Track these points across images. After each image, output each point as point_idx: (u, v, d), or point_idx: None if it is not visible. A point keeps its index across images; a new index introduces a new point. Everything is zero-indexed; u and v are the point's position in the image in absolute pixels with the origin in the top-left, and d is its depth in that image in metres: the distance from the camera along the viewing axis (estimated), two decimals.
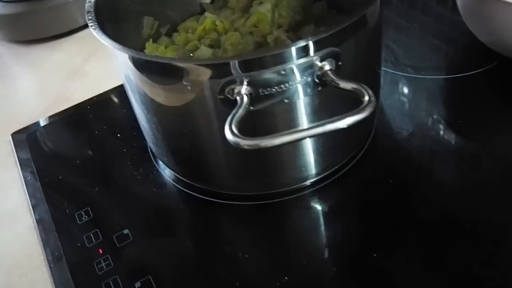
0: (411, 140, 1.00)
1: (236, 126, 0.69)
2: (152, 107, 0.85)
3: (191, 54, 1.04)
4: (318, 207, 0.89)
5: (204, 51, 1.01)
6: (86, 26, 1.29)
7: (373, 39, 0.86)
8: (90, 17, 0.85)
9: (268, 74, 0.73)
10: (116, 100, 1.22)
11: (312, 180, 0.94)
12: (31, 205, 1.02)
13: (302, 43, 0.71)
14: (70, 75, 1.35)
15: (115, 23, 0.96)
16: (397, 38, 1.14)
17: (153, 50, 1.02)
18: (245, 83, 0.73)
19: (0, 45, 1.56)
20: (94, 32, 0.81)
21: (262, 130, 0.76)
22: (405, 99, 1.08)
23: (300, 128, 0.69)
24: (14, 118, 1.26)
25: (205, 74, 0.74)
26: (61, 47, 1.49)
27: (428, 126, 1.02)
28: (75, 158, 1.10)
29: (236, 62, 0.71)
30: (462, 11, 1.11)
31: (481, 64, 1.14)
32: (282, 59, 0.72)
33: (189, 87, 0.76)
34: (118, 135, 1.13)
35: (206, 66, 0.74)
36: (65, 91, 1.32)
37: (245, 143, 0.67)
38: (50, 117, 1.23)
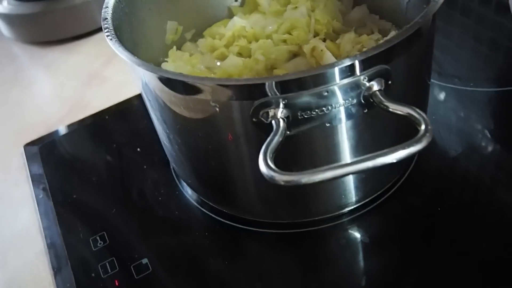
0: (460, 161, 0.91)
1: (271, 158, 0.61)
2: (175, 127, 0.78)
3: (218, 63, 0.96)
4: (358, 237, 0.84)
5: (233, 61, 0.92)
6: None
7: (425, 53, 0.77)
8: (106, 25, 0.76)
9: (309, 96, 0.65)
10: (136, 109, 1.12)
11: (352, 207, 0.85)
12: (43, 227, 0.94)
13: (348, 62, 0.62)
14: (88, 80, 1.26)
15: (135, 29, 0.88)
16: (442, 45, 1.05)
17: (177, 59, 0.94)
18: (281, 105, 0.65)
19: (15, 46, 1.48)
20: (110, 43, 0.72)
21: (299, 157, 0.71)
22: (452, 114, 0.98)
23: (346, 162, 0.60)
24: (27, 127, 1.19)
25: (236, 95, 0.66)
26: (80, 49, 1.41)
27: (479, 146, 0.92)
28: (91, 175, 1.02)
29: (273, 82, 0.63)
30: None
31: None
32: (325, 79, 0.64)
33: (217, 109, 0.68)
34: (138, 149, 1.05)
35: (238, 87, 0.65)
36: (82, 98, 1.24)
37: (283, 178, 0.59)
38: (65, 127, 1.16)
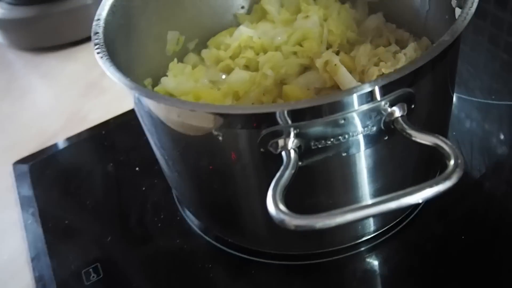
0: (485, 182, 0.83)
1: (281, 197, 0.54)
2: (174, 154, 0.72)
3: (223, 77, 0.90)
4: (375, 268, 0.77)
5: (239, 75, 0.86)
6: None
7: (450, 70, 0.71)
8: (97, 40, 0.69)
9: (323, 125, 0.58)
10: (136, 123, 1.03)
11: (369, 236, 0.78)
12: (30, 257, 0.87)
13: (368, 88, 0.56)
14: (86, 91, 1.19)
15: (132, 40, 0.82)
16: (461, 57, 0.95)
17: (178, 73, 0.87)
18: (292, 135, 0.58)
19: (8, 52, 1.41)
20: (100, 62, 0.65)
21: (312, 188, 0.65)
22: (474, 130, 0.92)
23: (366, 203, 0.53)
24: (17, 143, 1.11)
25: (241, 124, 0.59)
26: (77, 56, 1.33)
27: (505, 165, 0.86)
28: (86, 197, 0.95)
29: (284, 111, 0.56)
30: None
31: None
32: (342, 107, 0.57)
33: (220, 138, 0.61)
34: (137, 168, 0.97)
35: (243, 116, 0.57)
36: (79, 110, 1.16)
37: (294, 223, 0.52)
38: (59, 143, 1.08)
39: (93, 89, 1.22)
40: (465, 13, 0.62)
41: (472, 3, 0.63)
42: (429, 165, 0.75)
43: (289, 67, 0.84)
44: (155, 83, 0.86)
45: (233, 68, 0.89)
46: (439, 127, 0.74)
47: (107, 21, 0.74)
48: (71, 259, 0.85)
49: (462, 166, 0.53)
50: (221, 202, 0.75)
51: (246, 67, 0.89)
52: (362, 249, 0.79)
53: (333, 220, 0.52)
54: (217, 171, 0.68)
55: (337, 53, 0.85)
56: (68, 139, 1.08)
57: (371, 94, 0.57)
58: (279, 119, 0.57)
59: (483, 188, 0.83)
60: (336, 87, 0.79)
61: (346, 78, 0.77)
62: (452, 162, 0.53)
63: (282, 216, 0.52)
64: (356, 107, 0.58)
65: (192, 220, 0.86)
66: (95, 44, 0.69)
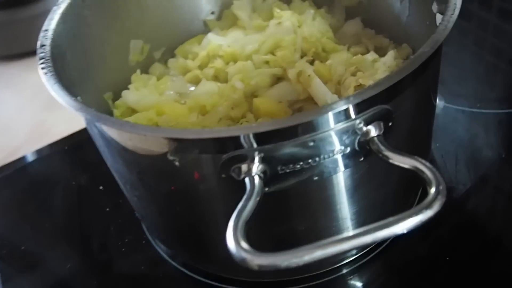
0: (470, 198, 0.78)
1: (243, 233, 0.48)
2: (129, 178, 0.66)
3: (191, 89, 0.84)
4: None
5: (207, 87, 0.81)
6: None
7: (431, 83, 0.65)
8: (42, 54, 0.64)
9: (291, 147, 0.52)
10: None
11: (351, 258, 0.73)
12: None
13: (342, 106, 0.50)
14: (50, 102, 1.10)
15: (88, 51, 0.76)
16: (444, 59, 0.89)
17: (141, 86, 0.81)
18: (257, 159, 0.52)
19: None
20: (44, 79, 0.59)
21: (281, 215, 0.59)
22: (458, 141, 0.87)
23: (339, 237, 0.47)
24: None
25: (199, 148, 0.53)
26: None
27: (490, 178, 0.80)
28: (45, 220, 0.88)
29: (249, 134, 0.51)
30: None
31: None
32: (312, 128, 0.52)
33: (176, 163, 0.55)
34: (101, 187, 0.91)
35: (199, 140, 0.52)
36: (41, 124, 1.10)
37: (257, 262, 0.46)
38: (17, 160, 1.01)
39: (57, 101, 1.14)
40: (446, 21, 0.57)
41: (454, 10, 0.58)
42: (411, 183, 0.70)
43: (260, 78, 0.78)
44: (118, 96, 0.79)
45: (201, 79, 0.83)
46: (420, 143, 0.69)
47: (57, 32, 0.68)
48: None
49: (444, 192, 0.48)
50: (184, 229, 0.69)
51: (215, 78, 0.84)
52: (344, 272, 0.73)
53: (301, 259, 0.46)
54: (177, 197, 0.62)
55: (312, 62, 0.80)
56: (28, 156, 1.02)
57: (344, 112, 0.52)
58: (242, 143, 0.51)
59: (469, 204, 0.79)
60: (310, 99, 0.74)
61: (320, 90, 0.72)
62: (433, 189, 0.48)
63: (243, 255, 0.46)
64: (328, 127, 0.52)
65: (158, 245, 0.80)
66: (40, 58, 0.64)
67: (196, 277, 0.75)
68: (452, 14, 0.57)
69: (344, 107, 0.50)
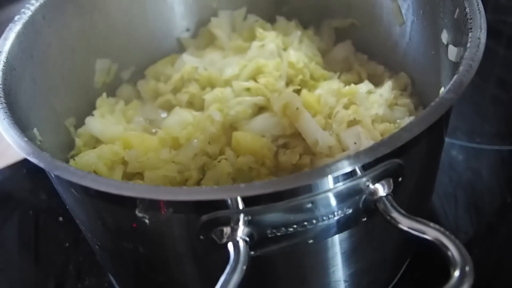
0: (473, 248, 0.70)
1: None
2: (90, 227, 0.58)
3: (163, 115, 0.76)
4: None
5: (181, 116, 0.73)
6: None
7: (445, 126, 0.57)
8: None
9: (284, 210, 0.45)
10: None
11: None
12: None
13: (347, 167, 0.42)
14: None
15: (47, 72, 0.68)
16: None
17: (106, 112, 0.73)
18: (242, 222, 0.45)
19: None
20: None
21: (267, 283, 0.53)
22: (457, 181, 0.79)
23: None
24: None
25: (173, 208, 0.46)
26: None
27: (498, 226, 0.74)
28: None
29: (234, 198, 0.43)
30: None
31: None
32: (309, 189, 0.44)
33: (146, 221, 0.47)
34: (61, 218, 0.83)
35: (174, 202, 0.44)
36: None
37: None
38: None
39: None
40: (470, 59, 0.48)
41: (478, 46, 0.49)
42: (410, 243, 0.64)
43: (240, 108, 0.70)
44: (81, 122, 0.71)
45: (174, 105, 0.75)
46: (427, 193, 0.61)
47: (11, 55, 0.60)
48: None
49: (471, 275, 0.41)
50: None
51: (190, 104, 0.76)
52: None
53: None
54: (147, 257, 0.55)
55: (299, 91, 0.72)
56: None
57: (350, 173, 0.44)
58: (226, 204, 0.44)
59: (473, 254, 0.68)
60: (297, 134, 0.67)
61: (310, 126, 0.65)
62: (457, 272, 0.41)
63: None
64: (329, 187, 0.45)
65: None
66: None
67: None
68: (477, 51, 0.48)
69: (350, 168, 0.42)
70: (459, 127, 0.87)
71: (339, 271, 0.55)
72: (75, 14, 0.72)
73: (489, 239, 0.73)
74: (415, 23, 0.70)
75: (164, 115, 0.77)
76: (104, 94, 0.77)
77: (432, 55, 0.65)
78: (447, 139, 0.81)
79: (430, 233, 0.43)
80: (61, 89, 0.71)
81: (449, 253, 0.42)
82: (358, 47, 0.82)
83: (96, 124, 0.72)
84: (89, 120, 0.73)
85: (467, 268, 0.41)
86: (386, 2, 0.74)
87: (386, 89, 0.70)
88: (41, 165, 0.46)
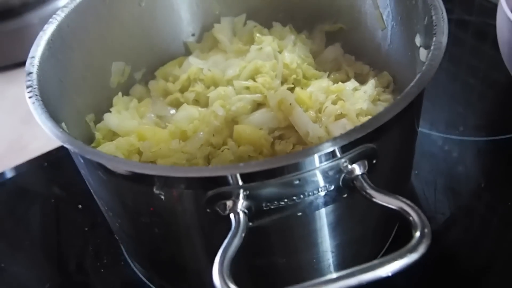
0: (450, 228, 0.78)
1: (229, 272, 0.48)
2: (114, 208, 0.66)
3: (172, 111, 0.84)
4: None
5: (188, 112, 0.81)
6: None
7: (413, 119, 0.66)
8: (30, 83, 0.64)
9: (276, 186, 0.53)
10: None
11: None
12: None
13: (328, 148, 0.51)
14: (28, 116, 1.08)
15: (71, 73, 0.76)
16: None
17: (122, 108, 0.81)
18: (242, 196, 0.53)
19: None
20: (32, 108, 0.61)
21: (265, 247, 0.60)
22: (437, 168, 0.87)
23: (324, 279, 0.47)
24: None
25: (185, 185, 0.54)
26: (21, 79, 1.21)
27: (472, 208, 0.81)
28: (24, 238, 0.88)
29: (236, 174, 0.51)
30: (503, 48, 0.89)
31: None
32: (297, 167, 0.52)
33: (162, 197, 0.55)
34: (80, 205, 0.90)
35: (185, 179, 0.53)
36: (20, 138, 1.09)
37: None
38: None
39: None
40: (432, 60, 0.57)
41: (439, 48, 0.58)
42: (390, 219, 0.72)
43: (240, 104, 0.78)
44: (100, 118, 0.79)
45: (182, 102, 0.83)
46: (402, 176, 0.70)
47: (43, 59, 0.69)
48: None
49: (429, 235, 0.48)
50: (166, 259, 0.70)
51: (196, 102, 0.84)
52: None
53: None
54: (161, 229, 0.63)
55: (293, 88, 0.80)
56: (6, 172, 1.00)
57: (330, 152, 0.52)
58: (228, 181, 0.52)
59: (450, 234, 0.78)
60: (291, 127, 0.74)
61: (302, 119, 0.73)
62: (418, 233, 0.48)
63: None
64: (313, 166, 0.53)
65: (137, 267, 0.80)
66: (28, 87, 0.65)
67: None
68: (438, 53, 0.58)
69: (331, 149, 0.50)
70: (440, 120, 0.95)
71: (326, 242, 0.62)
72: (94, 22, 0.79)
73: (464, 219, 0.80)
74: (394, 28, 0.78)
75: (172, 111, 0.85)
76: (120, 93, 0.84)
77: (409, 56, 0.72)
78: (429, 131, 0.89)
79: (396, 203, 0.51)
80: (82, 88, 0.78)
81: (411, 218, 0.49)
82: (346, 49, 0.89)
83: (113, 119, 0.80)
84: (107, 116, 0.81)
85: (426, 230, 0.48)
86: (370, 9, 0.82)
87: (370, 87, 0.78)
88: (76, 150, 0.54)
